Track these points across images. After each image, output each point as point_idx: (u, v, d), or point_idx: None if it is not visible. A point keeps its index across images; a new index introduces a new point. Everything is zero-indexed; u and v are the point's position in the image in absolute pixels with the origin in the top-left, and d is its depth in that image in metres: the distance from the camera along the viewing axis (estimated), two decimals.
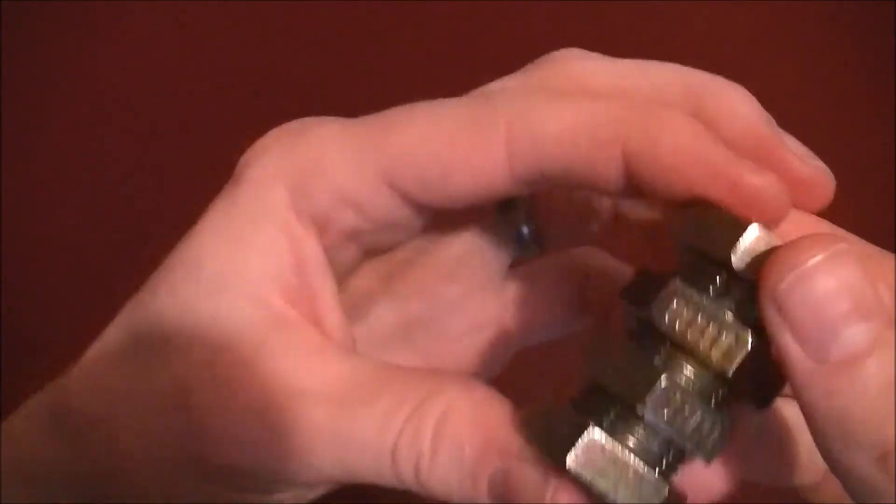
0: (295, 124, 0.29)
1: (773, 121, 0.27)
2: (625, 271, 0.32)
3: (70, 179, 0.54)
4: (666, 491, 0.24)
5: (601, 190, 0.27)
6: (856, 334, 0.22)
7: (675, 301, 0.24)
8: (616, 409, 0.24)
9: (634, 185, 0.26)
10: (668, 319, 0.24)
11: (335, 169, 0.28)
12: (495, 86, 0.29)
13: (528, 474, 0.25)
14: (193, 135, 0.54)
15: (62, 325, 0.55)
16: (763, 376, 0.25)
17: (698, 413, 0.24)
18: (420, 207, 0.29)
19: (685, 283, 0.24)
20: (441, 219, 0.31)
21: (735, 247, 0.24)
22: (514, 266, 0.33)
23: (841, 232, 0.27)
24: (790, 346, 0.23)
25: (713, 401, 0.24)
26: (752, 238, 0.24)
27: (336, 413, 0.26)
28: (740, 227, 0.24)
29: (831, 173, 0.27)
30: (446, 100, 0.28)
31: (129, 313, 0.30)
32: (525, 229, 0.32)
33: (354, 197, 0.28)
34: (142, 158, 0.54)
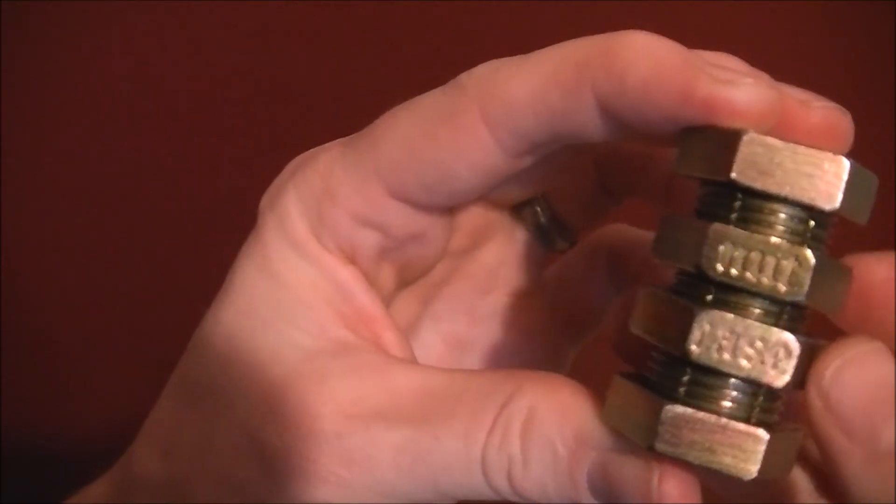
0: (301, 157, 0.29)
1: (768, 76, 0.26)
2: (643, 237, 0.32)
3: (70, 179, 0.54)
4: (765, 435, 0.23)
5: (589, 138, 0.26)
6: None
7: (721, 246, 0.23)
8: (688, 374, 0.23)
9: (617, 126, 0.25)
10: (722, 268, 0.22)
11: (344, 194, 0.28)
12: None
13: (627, 466, 0.24)
14: (194, 134, 0.54)
15: (62, 325, 0.55)
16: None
17: (751, 343, 0.22)
18: (433, 210, 0.29)
19: (720, 222, 0.23)
20: (466, 232, 0.31)
21: (732, 163, 0.22)
22: (549, 264, 0.33)
23: None
24: (835, 437, 0.22)
25: (781, 323, 0.23)
26: (746, 147, 0.22)
27: (416, 433, 0.26)
28: (733, 139, 0.23)
29: (844, 111, 0.25)
30: (423, 96, 0.28)
31: (184, 367, 0.30)
32: (544, 224, 0.32)
33: (369, 217, 0.28)
34: (142, 158, 0.54)
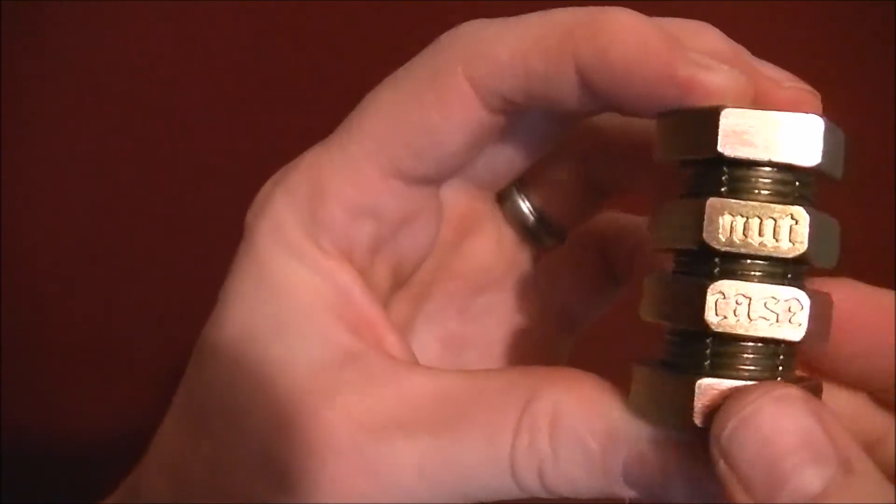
0: (283, 169, 0.29)
1: (746, 50, 0.27)
2: (633, 221, 0.32)
3: (70, 179, 0.54)
4: (795, 391, 0.23)
5: (565, 106, 0.27)
6: (808, 480, 0.22)
7: (720, 217, 0.23)
8: (706, 345, 0.24)
9: (595, 97, 0.26)
10: (724, 238, 0.23)
11: (336, 185, 0.28)
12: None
13: (668, 453, 0.24)
14: (194, 134, 0.54)
15: (62, 326, 0.55)
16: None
17: (766, 303, 0.23)
18: (424, 186, 0.29)
19: (713, 196, 0.24)
20: (453, 223, 0.31)
21: (717, 138, 0.23)
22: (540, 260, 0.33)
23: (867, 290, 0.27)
24: (737, 494, 0.22)
25: (786, 282, 0.24)
26: (727, 121, 0.23)
27: (438, 440, 0.25)
28: (712, 116, 0.23)
29: (814, 92, 0.26)
30: (401, 69, 0.28)
31: (188, 387, 0.29)
32: (532, 226, 0.32)
33: (363, 203, 0.28)
34: (142, 159, 0.54)
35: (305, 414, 0.26)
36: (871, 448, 0.28)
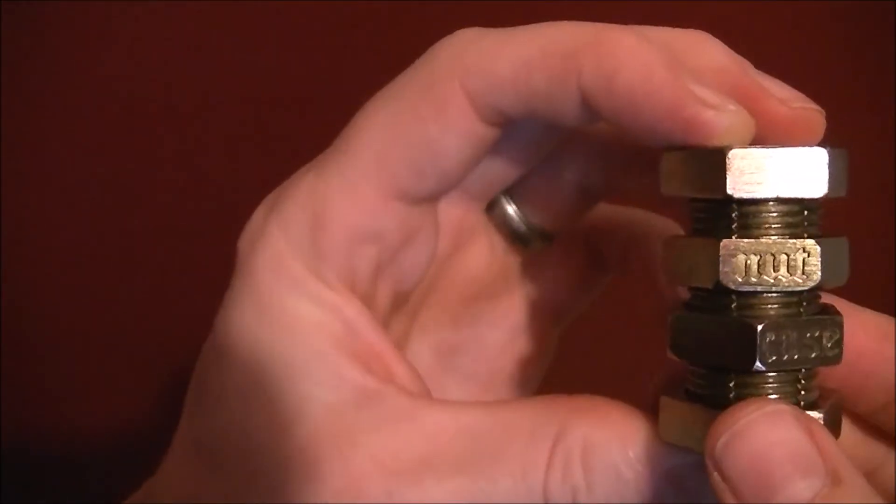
0: (273, 196, 0.28)
1: (751, 65, 0.27)
2: (624, 213, 0.32)
3: (70, 180, 0.54)
4: (821, 415, 0.24)
5: (564, 123, 0.27)
6: (797, 492, 0.22)
7: (734, 259, 0.24)
8: (730, 378, 0.25)
9: (596, 117, 0.26)
10: (741, 278, 0.24)
11: (336, 213, 0.27)
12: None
13: (702, 477, 0.24)
14: (194, 135, 0.54)
15: (62, 327, 0.55)
16: None
17: (807, 334, 0.24)
18: (424, 203, 0.28)
19: (724, 236, 0.24)
20: (448, 235, 0.30)
21: (725, 179, 0.24)
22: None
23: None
24: None
25: (804, 313, 0.25)
26: (734, 162, 0.24)
27: (470, 480, 0.25)
28: (720, 158, 0.24)
29: (820, 110, 0.26)
30: (391, 84, 0.28)
31: (196, 431, 0.29)
32: (520, 231, 0.32)
33: (365, 227, 0.27)
34: (142, 159, 0.54)
35: (328, 461, 0.25)
36: (870, 475, 0.28)
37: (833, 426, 0.25)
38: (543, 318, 0.33)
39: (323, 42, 0.54)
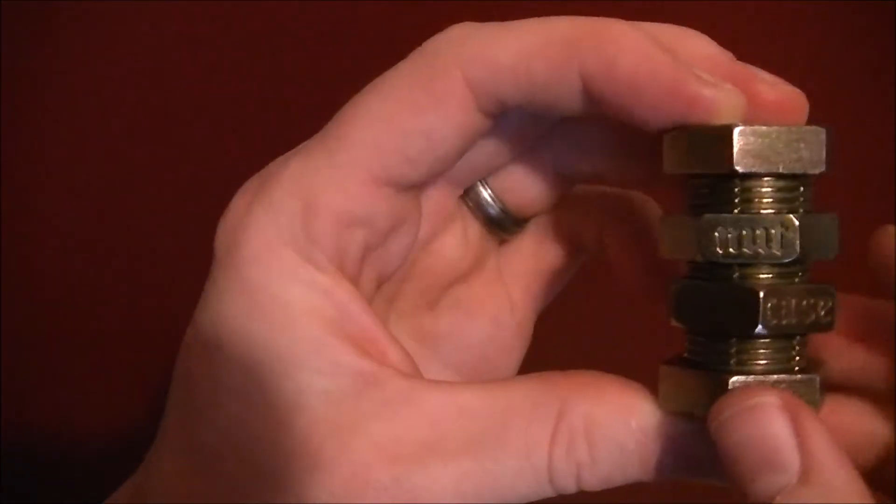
0: (255, 182, 0.28)
1: (734, 56, 0.28)
2: (596, 192, 0.33)
3: (70, 179, 0.54)
4: (817, 378, 0.26)
5: (563, 112, 0.27)
6: (765, 485, 0.24)
7: (714, 232, 0.25)
8: (730, 344, 0.26)
9: (596, 105, 0.27)
10: (721, 249, 0.25)
11: (327, 197, 0.27)
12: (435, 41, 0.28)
13: (703, 443, 0.25)
14: (194, 135, 0.54)
15: (62, 326, 0.55)
16: None
17: (803, 301, 0.25)
18: (413, 190, 0.28)
19: (722, 211, 0.26)
20: (428, 220, 0.30)
21: (732, 155, 0.25)
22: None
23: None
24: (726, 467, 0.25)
25: (798, 281, 0.26)
26: (741, 139, 0.25)
27: (475, 461, 0.26)
28: (726, 135, 0.25)
29: (800, 93, 0.27)
30: (386, 74, 0.28)
31: (189, 430, 0.28)
32: (495, 216, 0.32)
33: (356, 213, 0.27)
34: (143, 159, 0.54)
35: (332, 452, 0.26)
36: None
37: (821, 393, 0.26)
38: (521, 303, 0.33)
39: (324, 42, 0.54)
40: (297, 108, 0.53)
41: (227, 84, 0.54)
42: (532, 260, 0.33)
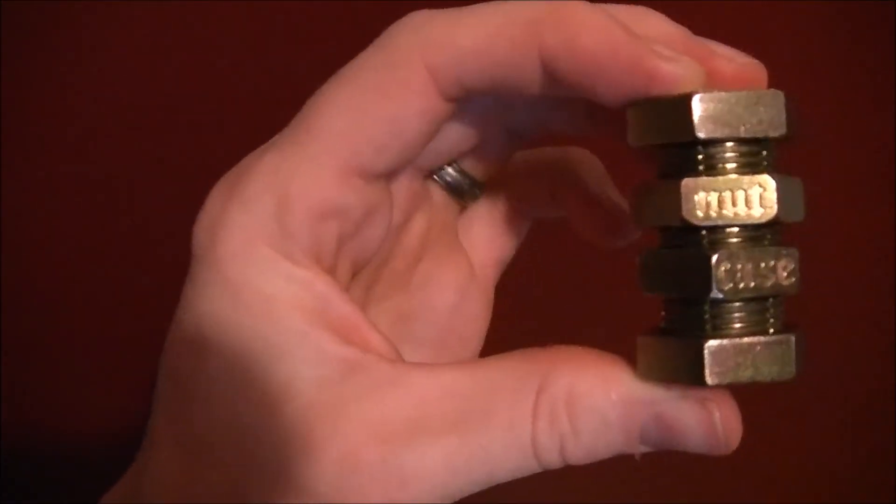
0: (229, 180, 0.29)
1: (691, 32, 0.28)
2: (542, 154, 0.33)
3: (70, 179, 0.54)
4: (792, 338, 0.26)
5: (525, 92, 0.27)
6: None
7: (695, 196, 0.25)
8: (704, 310, 0.26)
9: (556, 84, 0.27)
10: (702, 213, 0.25)
11: (300, 190, 0.27)
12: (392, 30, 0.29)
13: (683, 409, 0.26)
14: (194, 135, 0.54)
15: (62, 326, 0.55)
16: None
17: (761, 264, 0.26)
18: (383, 178, 0.29)
19: (689, 176, 0.26)
20: (399, 206, 0.31)
21: (693, 122, 0.25)
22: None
23: None
24: None
25: (767, 244, 0.26)
26: (700, 105, 0.25)
27: (462, 438, 0.26)
28: (686, 103, 0.25)
29: (759, 64, 0.28)
30: (349, 65, 0.28)
31: (179, 423, 0.29)
32: (453, 181, 0.32)
33: (329, 204, 0.28)
34: (143, 159, 0.54)
35: (320, 436, 0.26)
36: None
37: (801, 348, 0.26)
38: (482, 271, 0.34)
39: (324, 43, 0.54)
40: (298, 109, 0.53)
41: (228, 84, 0.54)
42: (488, 225, 0.34)
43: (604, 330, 0.29)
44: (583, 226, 0.33)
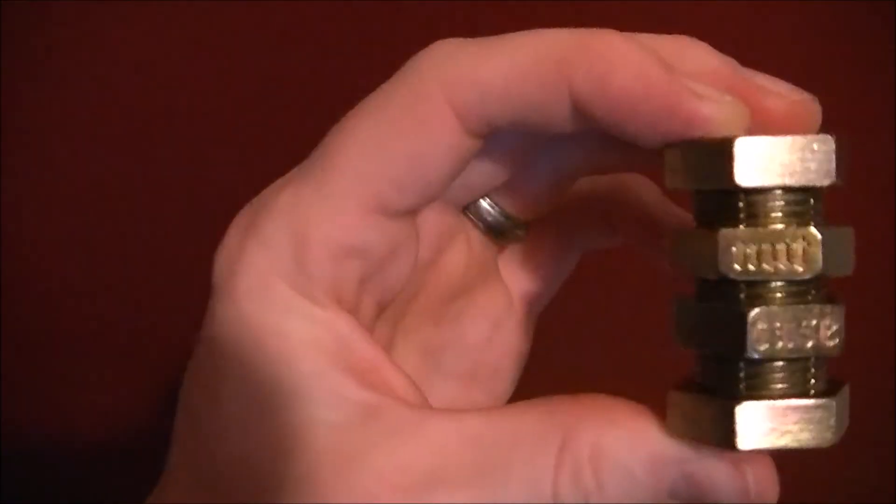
0: (248, 215, 0.28)
1: (738, 64, 0.27)
2: (593, 185, 0.32)
3: (70, 179, 0.54)
4: (832, 402, 0.24)
5: (554, 131, 0.26)
6: None
7: (733, 248, 0.24)
8: (739, 367, 0.24)
9: (589, 123, 0.26)
10: (739, 266, 0.24)
11: (320, 230, 0.27)
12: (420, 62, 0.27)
13: (717, 472, 0.25)
14: (194, 134, 0.54)
15: (62, 326, 0.55)
16: None
17: (803, 323, 0.24)
18: (406, 216, 0.28)
19: (724, 226, 0.24)
20: (428, 242, 0.30)
21: (733, 169, 0.24)
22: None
23: None
24: None
25: (810, 300, 0.24)
26: (742, 151, 0.24)
27: (482, 490, 0.25)
28: (727, 148, 0.24)
29: (814, 101, 0.26)
30: (370, 98, 0.27)
31: (193, 463, 0.28)
32: (494, 223, 0.31)
33: (349, 244, 0.27)
34: (143, 159, 0.54)
35: (336, 484, 0.25)
36: None
37: (842, 411, 0.25)
38: (521, 307, 0.33)
39: (325, 43, 0.54)
40: (298, 110, 0.53)
41: (229, 85, 0.54)
42: (532, 257, 0.33)
43: (634, 371, 0.28)
44: (649, 249, 0.31)
